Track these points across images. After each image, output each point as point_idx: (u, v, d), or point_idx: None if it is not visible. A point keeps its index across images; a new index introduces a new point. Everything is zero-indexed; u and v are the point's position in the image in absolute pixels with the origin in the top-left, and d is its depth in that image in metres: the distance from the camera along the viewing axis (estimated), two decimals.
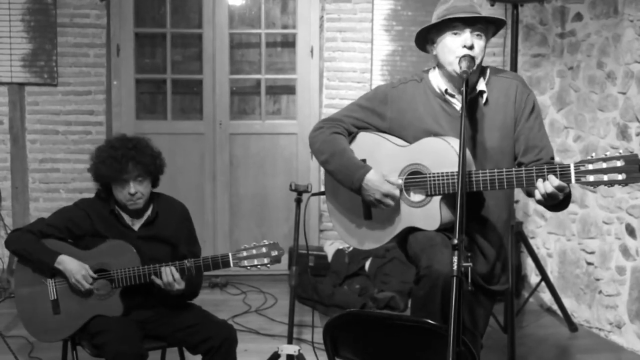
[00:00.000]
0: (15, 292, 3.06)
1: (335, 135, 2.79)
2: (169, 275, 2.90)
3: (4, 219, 5.26)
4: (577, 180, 2.34)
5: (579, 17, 4.67)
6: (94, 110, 5.34)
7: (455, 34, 2.60)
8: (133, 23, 5.50)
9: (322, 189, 5.37)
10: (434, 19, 2.65)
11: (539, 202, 2.48)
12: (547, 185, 2.36)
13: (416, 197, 2.66)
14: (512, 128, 2.69)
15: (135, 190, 2.98)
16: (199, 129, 5.62)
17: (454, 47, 2.59)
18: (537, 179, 2.40)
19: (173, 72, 5.61)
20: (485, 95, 2.68)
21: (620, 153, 2.29)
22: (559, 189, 2.36)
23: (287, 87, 5.72)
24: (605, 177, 2.30)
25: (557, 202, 2.43)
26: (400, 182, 2.67)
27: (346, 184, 2.74)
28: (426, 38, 2.72)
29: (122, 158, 2.94)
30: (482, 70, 2.73)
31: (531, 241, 4.89)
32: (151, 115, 5.71)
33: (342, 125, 2.82)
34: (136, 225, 3.08)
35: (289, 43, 5.70)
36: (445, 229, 2.61)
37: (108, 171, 2.95)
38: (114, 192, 3.01)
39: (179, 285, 2.92)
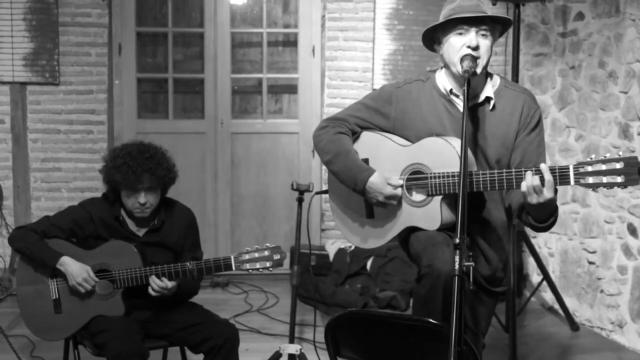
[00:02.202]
0: (17, 291, 3.06)
1: (339, 135, 2.80)
2: (160, 283, 2.91)
3: (5, 218, 5.27)
4: (577, 182, 2.34)
5: (580, 16, 4.67)
6: (95, 110, 5.35)
7: (460, 34, 2.59)
8: (135, 22, 5.50)
9: (324, 188, 5.38)
10: (441, 19, 2.64)
11: (519, 214, 2.53)
12: (536, 178, 2.35)
13: (417, 196, 2.66)
14: (513, 140, 2.68)
15: (145, 200, 2.97)
16: (201, 128, 5.62)
17: (458, 47, 2.59)
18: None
19: (175, 71, 5.61)
20: (492, 102, 2.68)
21: (619, 155, 2.29)
22: (536, 188, 2.34)
23: (288, 86, 5.72)
24: (604, 179, 2.29)
25: (539, 211, 2.42)
26: (401, 182, 2.68)
27: (349, 185, 2.75)
28: (433, 38, 2.72)
29: (137, 168, 2.92)
30: (490, 76, 2.72)
31: (533, 240, 4.88)
32: (153, 115, 5.72)
33: (346, 124, 2.82)
34: (141, 232, 3.08)
35: (290, 42, 5.70)
36: (446, 229, 2.61)
37: (122, 179, 2.93)
38: (123, 198, 3.00)
39: (173, 289, 2.94)
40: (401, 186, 2.67)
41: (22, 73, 5.20)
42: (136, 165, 2.93)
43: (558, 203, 2.49)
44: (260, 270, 2.95)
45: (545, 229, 2.53)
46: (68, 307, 2.98)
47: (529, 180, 2.36)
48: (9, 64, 5.17)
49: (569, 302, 4.68)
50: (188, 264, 2.92)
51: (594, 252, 4.53)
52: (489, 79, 2.71)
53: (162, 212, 3.10)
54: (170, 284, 2.91)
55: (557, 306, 4.66)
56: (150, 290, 2.92)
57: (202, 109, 5.65)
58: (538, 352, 4.17)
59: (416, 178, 2.65)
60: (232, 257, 2.93)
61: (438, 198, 2.59)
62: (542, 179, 2.34)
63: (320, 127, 2.88)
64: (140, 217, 3.02)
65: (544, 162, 2.67)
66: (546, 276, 4.54)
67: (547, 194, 2.35)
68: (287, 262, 5.14)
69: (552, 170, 2.36)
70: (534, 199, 2.37)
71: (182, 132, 5.61)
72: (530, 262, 5.12)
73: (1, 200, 5.27)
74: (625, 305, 4.26)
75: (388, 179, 2.67)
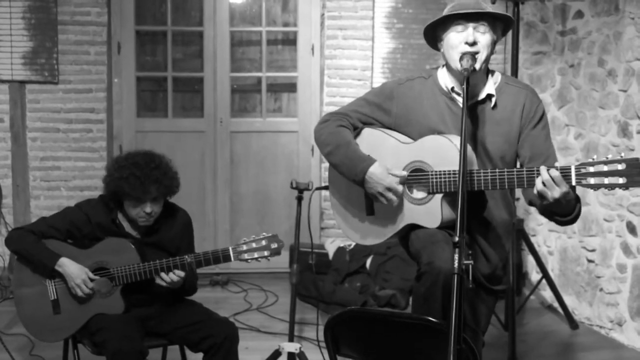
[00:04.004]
0: (14, 293, 3.06)
1: (340, 128, 2.79)
2: (174, 277, 2.91)
3: (4, 217, 5.27)
4: (578, 183, 2.32)
5: (579, 14, 4.67)
6: (94, 108, 5.34)
7: (458, 30, 2.59)
8: (134, 21, 5.50)
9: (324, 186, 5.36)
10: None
11: (541, 210, 2.49)
12: (538, 180, 2.34)
13: (418, 194, 2.66)
14: (516, 136, 2.68)
15: (151, 210, 2.96)
16: (200, 127, 5.62)
17: (456, 43, 2.59)
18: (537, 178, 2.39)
19: (174, 69, 5.61)
20: (493, 99, 2.68)
21: (622, 156, 2.28)
22: (555, 180, 2.33)
23: (288, 84, 5.72)
24: (606, 180, 2.28)
25: (556, 207, 2.41)
26: (405, 173, 2.66)
27: (349, 176, 2.74)
28: (435, 36, 2.72)
29: (145, 179, 2.91)
30: (491, 73, 2.72)
31: (532, 239, 4.89)
32: (152, 113, 5.72)
33: (348, 119, 2.82)
34: (138, 234, 3.08)
35: (289, 41, 5.70)
36: (447, 227, 2.60)
37: (130, 190, 2.91)
38: (126, 207, 3.00)
39: (181, 281, 2.94)
40: (404, 177, 2.66)
41: (21, 72, 5.20)
42: (144, 176, 2.92)
43: None
44: (259, 259, 2.95)
45: (572, 221, 2.53)
46: (67, 307, 2.98)
47: (539, 184, 2.35)
48: (8, 63, 5.17)
49: (568, 300, 4.68)
50: (186, 257, 2.92)
51: (593, 251, 4.53)
52: (490, 75, 2.71)
53: (159, 216, 3.10)
54: (183, 273, 2.91)
55: (556, 304, 4.66)
56: (159, 281, 2.92)
57: (202, 108, 5.65)
58: (537, 351, 4.18)
59: (417, 176, 2.65)
60: (231, 248, 2.93)
61: (439, 196, 2.59)
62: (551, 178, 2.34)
63: (321, 121, 2.88)
64: (143, 225, 3.02)
65: (554, 153, 2.68)
66: (545, 274, 4.54)
67: (561, 188, 2.34)
68: (286, 261, 5.18)
69: (554, 169, 2.35)
70: (548, 196, 2.36)
71: (181, 130, 5.61)
72: (530, 261, 5.12)
73: (0, 198, 5.27)
74: (624, 303, 4.27)
75: (390, 170, 2.66)
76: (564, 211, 2.47)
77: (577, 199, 2.47)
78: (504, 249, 2.78)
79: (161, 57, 5.66)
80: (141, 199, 2.93)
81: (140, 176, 2.91)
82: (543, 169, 2.35)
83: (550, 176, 2.33)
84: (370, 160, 2.69)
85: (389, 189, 2.65)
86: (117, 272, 2.94)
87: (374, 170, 2.66)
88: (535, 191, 2.38)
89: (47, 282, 2.98)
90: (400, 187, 2.65)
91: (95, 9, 5.26)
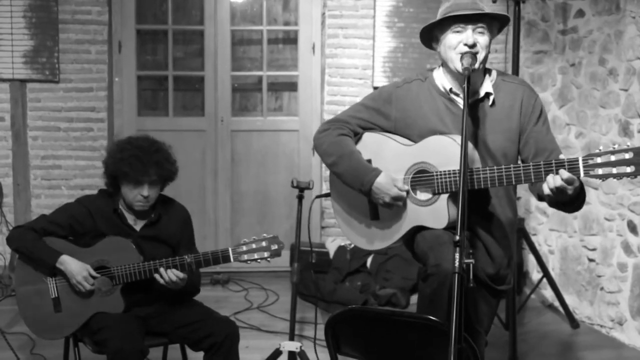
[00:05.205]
0: (15, 291, 3.06)
1: (342, 137, 2.79)
2: (172, 276, 2.90)
3: (5, 216, 5.27)
4: (586, 174, 2.31)
5: (580, 13, 4.67)
6: (95, 107, 5.34)
7: (457, 31, 2.59)
8: (135, 20, 5.50)
9: (324, 186, 5.38)
10: (438, 17, 2.64)
11: (550, 203, 2.48)
12: (557, 178, 2.33)
13: (423, 195, 2.65)
14: (517, 132, 2.68)
15: (148, 193, 2.98)
16: (201, 126, 5.62)
17: (455, 44, 2.59)
18: (545, 175, 2.37)
19: (175, 68, 5.61)
20: (491, 98, 2.68)
21: (628, 145, 2.27)
22: (568, 181, 2.32)
23: (288, 83, 5.71)
24: (614, 170, 2.26)
25: (567, 198, 2.40)
26: (407, 187, 2.67)
27: (355, 187, 2.74)
28: (431, 36, 2.71)
29: (146, 161, 2.95)
30: (488, 72, 2.72)
31: (533, 238, 4.89)
32: (153, 112, 5.72)
33: (347, 126, 2.81)
34: (138, 225, 3.08)
35: (290, 40, 5.70)
36: (453, 227, 2.59)
37: (130, 170, 2.93)
38: (123, 190, 3.01)
39: (182, 282, 2.94)
40: (407, 190, 2.66)
41: (22, 70, 5.20)
42: (145, 158, 2.95)
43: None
44: (259, 261, 2.95)
45: (577, 208, 2.53)
46: (68, 305, 2.98)
47: (551, 182, 2.34)
48: (9, 62, 5.17)
49: (569, 299, 4.68)
50: (186, 257, 2.93)
51: (594, 250, 4.53)
52: (487, 74, 2.71)
53: (158, 206, 3.12)
54: (181, 274, 2.91)
55: (557, 303, 4.66)
56: (159, 279, 2.92)
57: (202, 107, 5.65)
58: (538, 350, 4.18)
59: (422, 177, 2.65)
60: (230, 249, 2.94)
61: (444, 196, 2.59)
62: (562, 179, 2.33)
63: (321, 129, 2.86)
64: (139, 210, 3.03)
65: (558, 147, 2.70)
66: (546, 273, 4.54)
67: (574, 184, 2.34)
68: (287, 260, 5.18)
69: (561, 163, 2.35)
70: (566, 196, 2.35)
71: (182, 129, 5.60)
72: (530, 260, 5.12)
73: (1, 197, 5.27)
74: (625, 302, 4.27)
75: (395, 180, 2.67)
76: (572, 202, 2.47)
77: (581, 186, 2.47)
78: (509, 248, 2.77)
79: (162, 56, 5.66)
80: (140, 180, 2.96)
81: (141, 158, 2.95)
82: (550, 177, 2.34)
83: (563, 179, 2.32)
84: (376, 171, 2.69)
85: (396, 199, 2.66)
86: (117, 271, 2.94)
87: (381, 181, 2.66)
88: (547, 191, 2.37)
89: (48, 280, 2.99)
90: (405, 194, 2.66)
91: (96, 7, 5.26)
